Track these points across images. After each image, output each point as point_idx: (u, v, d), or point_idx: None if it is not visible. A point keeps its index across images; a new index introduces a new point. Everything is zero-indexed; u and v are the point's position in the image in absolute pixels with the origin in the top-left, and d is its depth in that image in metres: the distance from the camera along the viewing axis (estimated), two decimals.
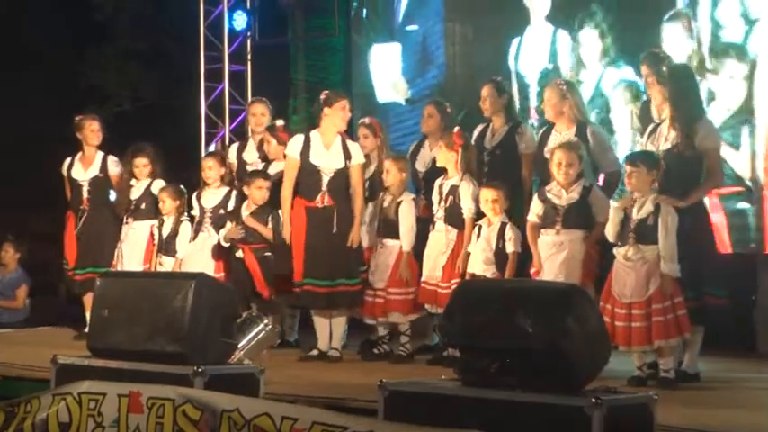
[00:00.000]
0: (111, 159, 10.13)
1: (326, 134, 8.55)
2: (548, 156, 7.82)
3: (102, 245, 9.94)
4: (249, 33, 12.66)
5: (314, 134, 8.60)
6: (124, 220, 9.83)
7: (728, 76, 9.05)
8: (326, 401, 6.30)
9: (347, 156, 8.50)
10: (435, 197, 8.44)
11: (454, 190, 8.33)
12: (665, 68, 7.69)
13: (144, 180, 9.87)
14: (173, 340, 6.34)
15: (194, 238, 9.42)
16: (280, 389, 6.70)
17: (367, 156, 8.88)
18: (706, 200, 7.70)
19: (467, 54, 10.60)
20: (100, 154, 10.15)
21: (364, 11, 11.60)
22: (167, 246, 9.52)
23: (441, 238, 8.36)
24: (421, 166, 9.00)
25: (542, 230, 7.68)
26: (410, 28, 11.21)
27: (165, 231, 9.55)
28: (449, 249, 8.30)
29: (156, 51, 13.36)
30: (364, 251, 8.68)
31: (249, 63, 12.68)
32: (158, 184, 9.84)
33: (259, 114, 9.70)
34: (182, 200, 9.58)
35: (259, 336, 6.96)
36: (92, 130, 10.11)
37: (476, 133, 8.72)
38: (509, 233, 8.06)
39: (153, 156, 9.90)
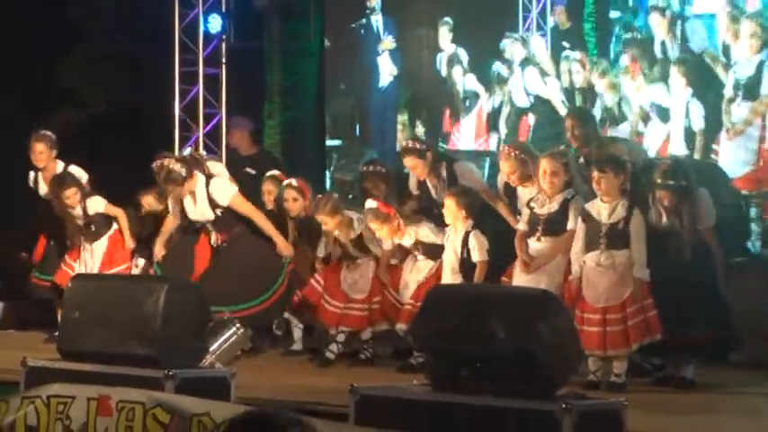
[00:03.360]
0: (73, 171, 9.88)
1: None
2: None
3: None
4: (224, 36, 12.62)
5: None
6: (82, 246, 9.73)
7: None
8: (297, 406, 6.29)
9: (214, 205, 8.67)
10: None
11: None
12: (664, 165, 7.45)
13: (78, 207, 9.69)
14: (144, 343, 6.31)
15: None
16: (251, 393, 6.67)
17: (294, 218, 8.94)
18: None
19: None
20: (60, 167, 9.91)
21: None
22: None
23: (424, 265, 8.31)
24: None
25: (528, 239, 7.68)
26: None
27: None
28: (430, 273, 8.23)
29: (130, 54, 13.30)
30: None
31: (224, 66, 12.64)
32: (95, 201, 9.72)
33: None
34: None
35: (230, 340, 6.95)
36: (37, 152, 9.85)
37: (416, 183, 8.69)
38: (472, 242, 7.96)
39: (77, 181, 9.72)
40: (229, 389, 6.29)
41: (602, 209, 7.38)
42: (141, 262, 9.56)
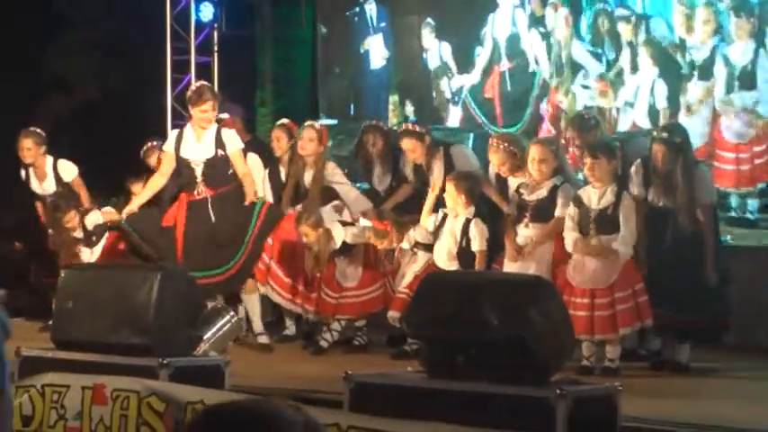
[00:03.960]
0: (63, 166, 9.86)
1: (197, 127, 8.64)
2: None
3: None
4: (216, 24, 12.61)
5: (188, 127, 8.72)
6: (84, 250, 9.67)
7: None
8: (292, 393, 6.29)
9: (219, 145, 8.56)
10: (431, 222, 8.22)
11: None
12: (660, 129, 7.67)
13: (78, 228, 9.63)
14: (138, 332, 6.30)
15: None
16: (245, 381, 6.68)
17: (302, 157, 8.89)
18: None
19: None
20: (49, 162, 9.85)
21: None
22: None
23: (423, 257, 8.31)
24: (379, 186, 9.09)
25: (516, 225, 7.72)
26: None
27: None
28: (428, 265, 8.20)
29: (122, 42, 13.27)
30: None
31: (216, 54, 12.63)
32: (93, 216, 9.66)
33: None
34: None
35: (224, 327, 6.94)
36: (21, 149, 9.75)
37: (412, 169, 8.72)
38: (473, 230, 7.94)
39: (72, 202, 9.64)
40: (223, 377, 6.29)
41: (592, 195, 7.41)
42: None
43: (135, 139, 10.39)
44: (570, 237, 7.41)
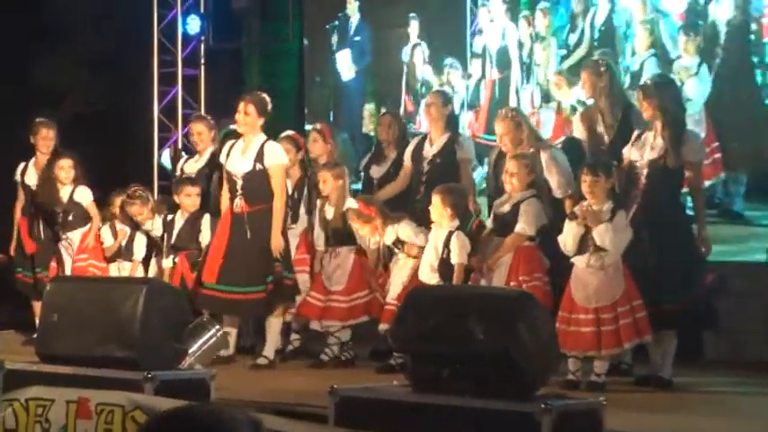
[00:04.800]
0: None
1: (246, 138, 8.45)
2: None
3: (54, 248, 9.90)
4: (203, 38, 12.61)
5: (240, 140, 8.52)
6: (61, 234, 9.73)
7: None
8: (277, 407, 6.29)
9: (259, 158, 8.33)
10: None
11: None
12: (648, 81, 7.89)
13: (67, 186, 9.76)
14: (123, 346, 6.30)
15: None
16: (230, 394, 6.68)
17: (314, 159, 9.08)
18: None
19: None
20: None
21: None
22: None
23: (405, 263, 8.34)
24: (376, 173, 9.13)
25: (491, 236, 7.84)
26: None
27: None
28: (413, 274, 8.21)
29: (109, 54, 13.26)
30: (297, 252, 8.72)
31: (203, 67, 12.62)
32: (84, 192, 9.76)
33: (196, 134, 9.59)
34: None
35: (210, 341, 6.94)
36: (44, 138, 10.02)
37: (412, 145, 8.89)
38: (454, 242, 7.91)
39: (75, 159, 9.84)
40: (209, 390, 6.29)
41: None
42: (127, 265, 9.59)
43: (121, 152, 10.37)
44: (566, 232, 7.41)
